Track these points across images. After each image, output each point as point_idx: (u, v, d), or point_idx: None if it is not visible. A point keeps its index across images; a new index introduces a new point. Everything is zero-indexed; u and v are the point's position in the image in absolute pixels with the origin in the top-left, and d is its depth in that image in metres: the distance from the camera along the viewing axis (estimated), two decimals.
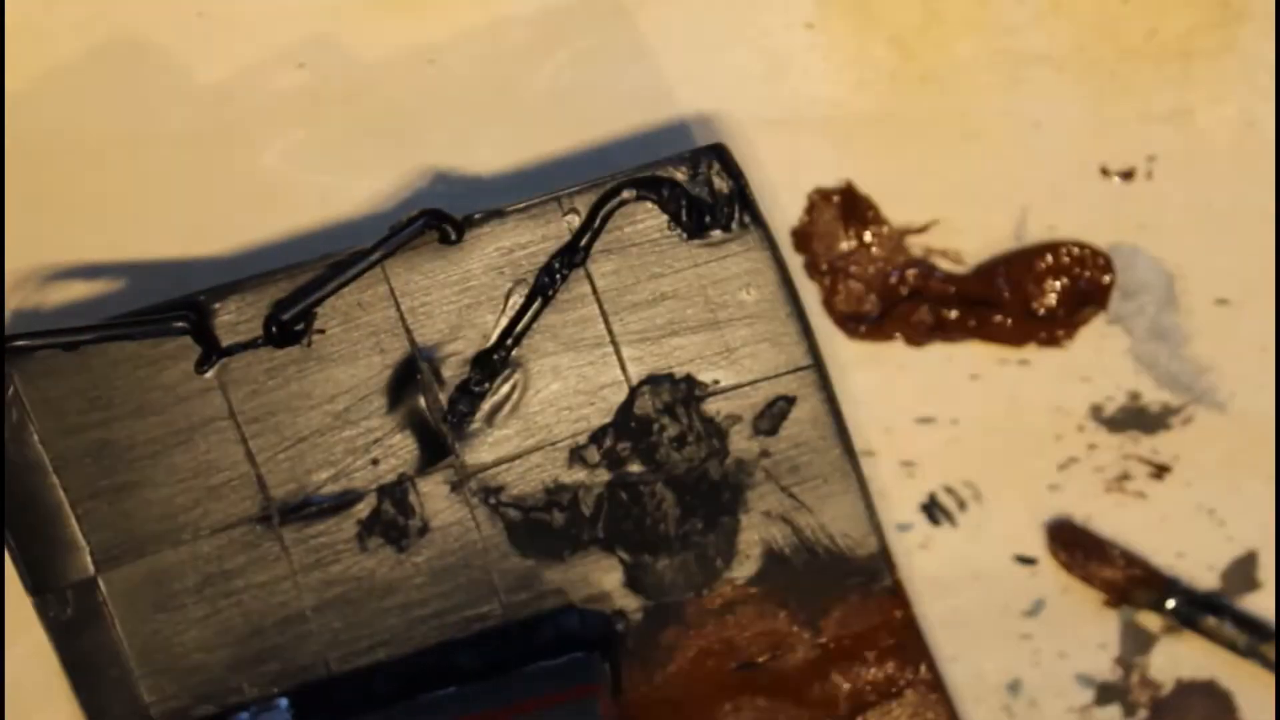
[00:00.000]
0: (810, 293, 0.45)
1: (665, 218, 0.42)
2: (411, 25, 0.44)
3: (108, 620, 0.43)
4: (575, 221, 0.42)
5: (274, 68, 0.45)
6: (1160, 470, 0.45)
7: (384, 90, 0.45)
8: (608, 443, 0.43)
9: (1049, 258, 0.44)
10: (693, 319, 0.42)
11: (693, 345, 0.42)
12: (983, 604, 0.46)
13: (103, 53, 0.45)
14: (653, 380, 0.42)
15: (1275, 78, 0.44)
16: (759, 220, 0.42)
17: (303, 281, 0.42)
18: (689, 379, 0.42)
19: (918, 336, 0.45)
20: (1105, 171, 0.44)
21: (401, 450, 0.43)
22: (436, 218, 0.41)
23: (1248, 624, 0.45)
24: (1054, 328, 0.44)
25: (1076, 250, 0.44)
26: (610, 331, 0.42)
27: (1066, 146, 0.44)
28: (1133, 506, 0.45)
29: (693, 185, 0.42)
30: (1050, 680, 0.46)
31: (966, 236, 0.45)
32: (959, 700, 0.45)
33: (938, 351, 0.45)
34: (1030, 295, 0.44)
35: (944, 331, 0.45)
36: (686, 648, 0.44)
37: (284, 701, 0.43)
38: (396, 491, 0.43)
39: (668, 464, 0.43)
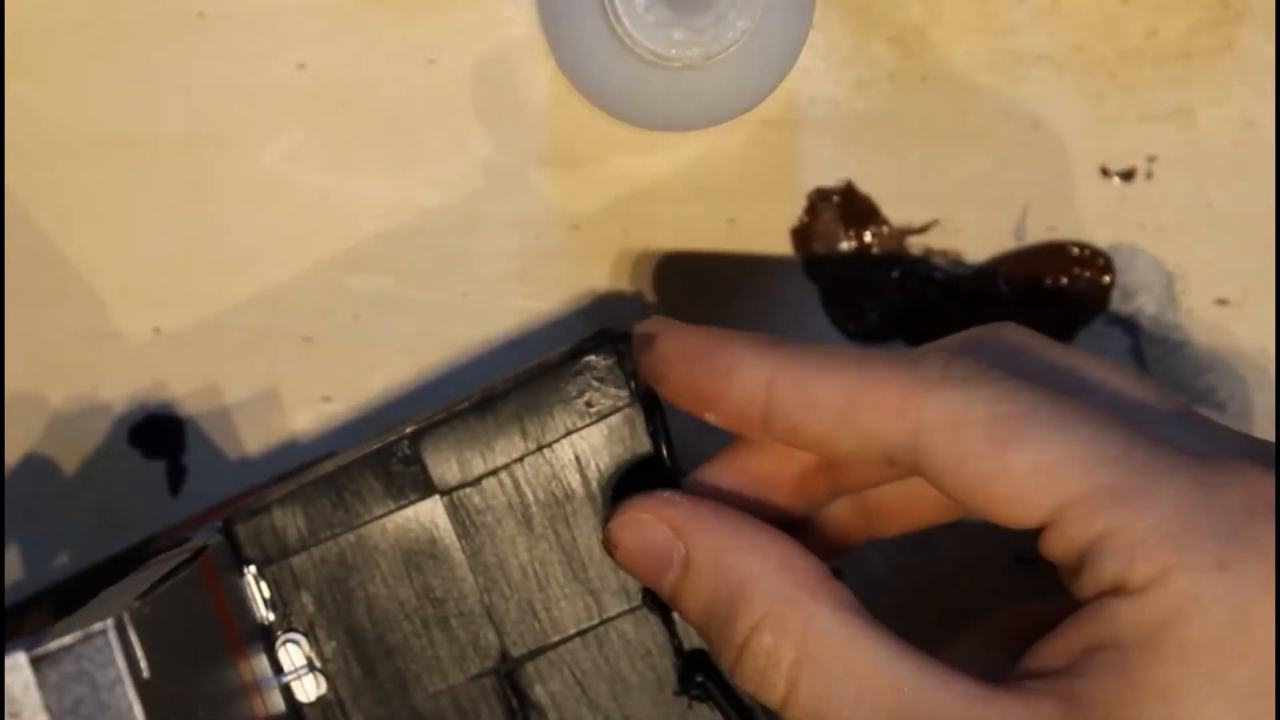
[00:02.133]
0: (810, 293, 0.45)
1: None
2: (411, 25, 0.44)
3: None
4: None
5: (274, 68, 0.45)
6: None
7: (384, 90, 0.45)
8: None
9: (1049, 258, 0.44)
10: None
11: None
12: (982, 604, 0.46)
13: (103, 53, 0.45)
14: None
15: (1275, 78, 0.44)
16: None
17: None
18: None
19: (918, 337, 0.45)
20: (1105, 172, 0.44)
21: None
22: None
23: None
24: (1054, 328, 0.44)
25: (1076, 250, 0.44)
26: None
27: (1066, 146, 0.44)
28: None
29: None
30: None
31: (966, 236, 0.45)
32: None
33: None
34: (1030, 295, 0.44)
35: (944, 332, 0.45)
36: None
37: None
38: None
39: None
